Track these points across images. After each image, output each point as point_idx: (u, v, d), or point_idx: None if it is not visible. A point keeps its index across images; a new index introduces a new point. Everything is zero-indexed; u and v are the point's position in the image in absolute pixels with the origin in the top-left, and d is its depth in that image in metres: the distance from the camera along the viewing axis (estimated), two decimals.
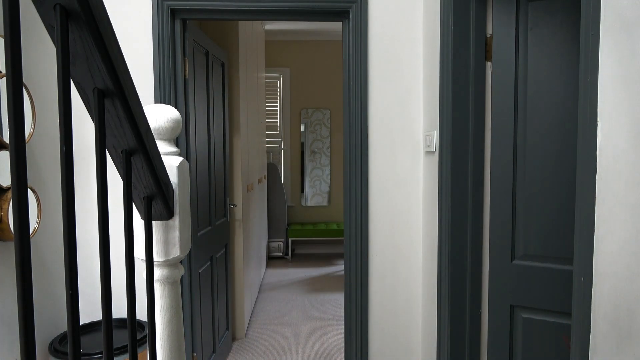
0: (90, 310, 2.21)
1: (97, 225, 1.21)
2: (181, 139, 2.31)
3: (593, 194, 1.06)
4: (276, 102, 6.20)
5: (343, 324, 3.31)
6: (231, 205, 3.39)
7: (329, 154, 6.25)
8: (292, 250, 6.25)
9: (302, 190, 6.30)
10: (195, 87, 2.55)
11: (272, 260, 6.00)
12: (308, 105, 6.23)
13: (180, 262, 1.32)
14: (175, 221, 1.21)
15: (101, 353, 1.88)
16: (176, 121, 1.28)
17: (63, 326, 2.19)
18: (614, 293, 1.03)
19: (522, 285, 1.85)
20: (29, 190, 1.93)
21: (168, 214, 1.18)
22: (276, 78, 6.17)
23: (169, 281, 1.26)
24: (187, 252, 1.31)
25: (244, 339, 3.56)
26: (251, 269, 4.09)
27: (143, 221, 1.15)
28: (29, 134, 1.93)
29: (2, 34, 1.35)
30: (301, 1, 2.27)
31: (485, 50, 1.89)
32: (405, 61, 2.34)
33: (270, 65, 6.12)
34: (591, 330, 1.08)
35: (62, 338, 2.07)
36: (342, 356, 3.23)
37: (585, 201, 1.08)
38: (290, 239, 5.98)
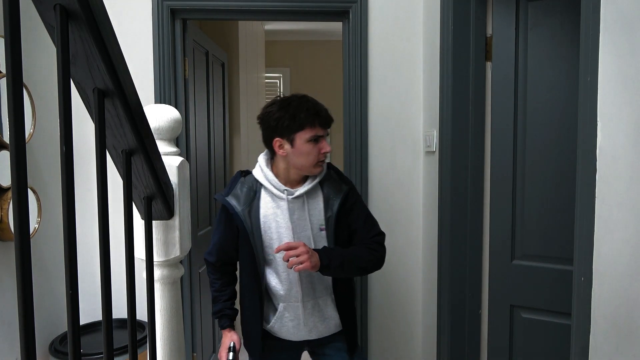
0: (90, 310, 2.21)
1: (97, 225, 1.21)
2: (181, 139, 2.31)
3: (593, 194, 1.06)
4: None
5: None
6: None
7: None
8: None
9: None
10: (195, 87, 2.55)
11: None
12: None
13: (180, 262, 1.32)
14: (175, 221, 1.21)
15: (101, 353, 1.88)
16: (176, 121, 1.28)
17: (63, 326, 2.19)
18: (614, 293, 1.03)
19: (522, 285, 1.84)
20: (29, 190, 1.93)
21: (168, 213, 1.18)
22: (276, 78, 6.16)
23: (168, 281, 1.26)
24: (187, 252, 1.31)
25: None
26: None
27: (143, 221, 1.15)
28: (29, 134, 1.93)
29: (2, 34, 1.35)
30: (301, 1, 2.27)
31: (485, 50, 1.89)
32: (405, 61, 2.33)
33: (270, 65, 6.11)
34: (591, 330, 1.08)
35: (62, 338, 2.06)
36: None
37: (585, 201, 1.08)
38: None
